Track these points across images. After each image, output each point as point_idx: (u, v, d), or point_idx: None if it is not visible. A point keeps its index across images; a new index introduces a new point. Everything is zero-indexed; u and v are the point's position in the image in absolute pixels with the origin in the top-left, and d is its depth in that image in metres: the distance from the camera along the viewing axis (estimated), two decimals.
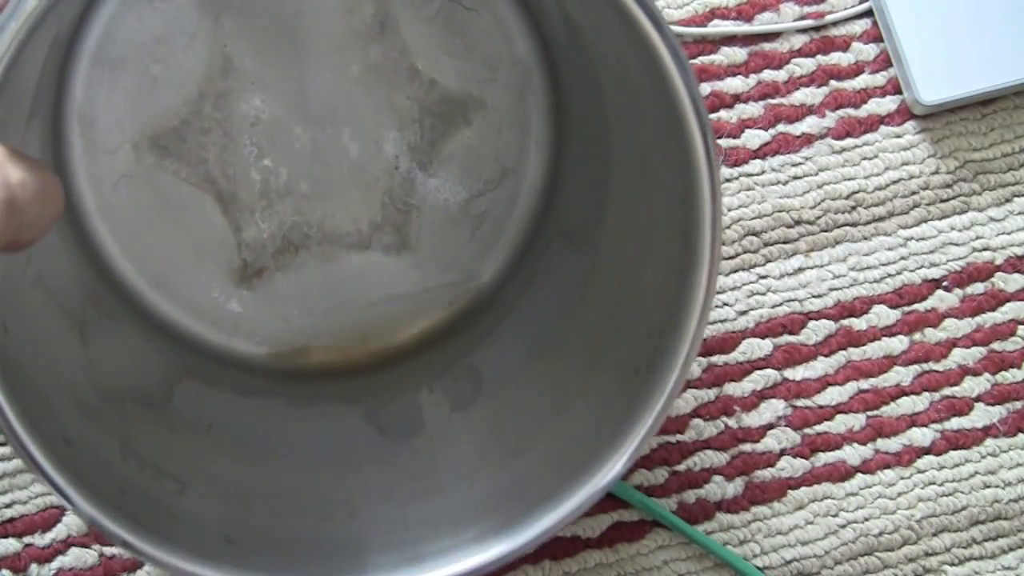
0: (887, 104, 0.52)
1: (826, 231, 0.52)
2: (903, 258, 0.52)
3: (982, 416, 0.51)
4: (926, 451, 0.51)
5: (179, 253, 0.46)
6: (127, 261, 0.46)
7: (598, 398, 0.40)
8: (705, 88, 0.52)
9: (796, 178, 0.52)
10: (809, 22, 0.52)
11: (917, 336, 0.51)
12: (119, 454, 0.39)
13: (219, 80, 0.45)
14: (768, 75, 0.52)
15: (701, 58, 0.52)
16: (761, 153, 0.52)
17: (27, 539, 0.48)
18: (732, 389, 0.51)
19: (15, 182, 0.27)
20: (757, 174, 0.52)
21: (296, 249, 0.47)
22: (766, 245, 0.52)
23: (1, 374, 0.33)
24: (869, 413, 0.51)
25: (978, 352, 0.51)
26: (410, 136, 0.47)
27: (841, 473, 0.50)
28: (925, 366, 0.51)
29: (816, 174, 0.52)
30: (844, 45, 0.53)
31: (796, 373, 0.51)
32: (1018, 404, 0.51)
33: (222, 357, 0.47)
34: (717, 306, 0.51)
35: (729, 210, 0.52)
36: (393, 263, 0.48)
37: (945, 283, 0.52)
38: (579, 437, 0.40)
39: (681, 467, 0.50)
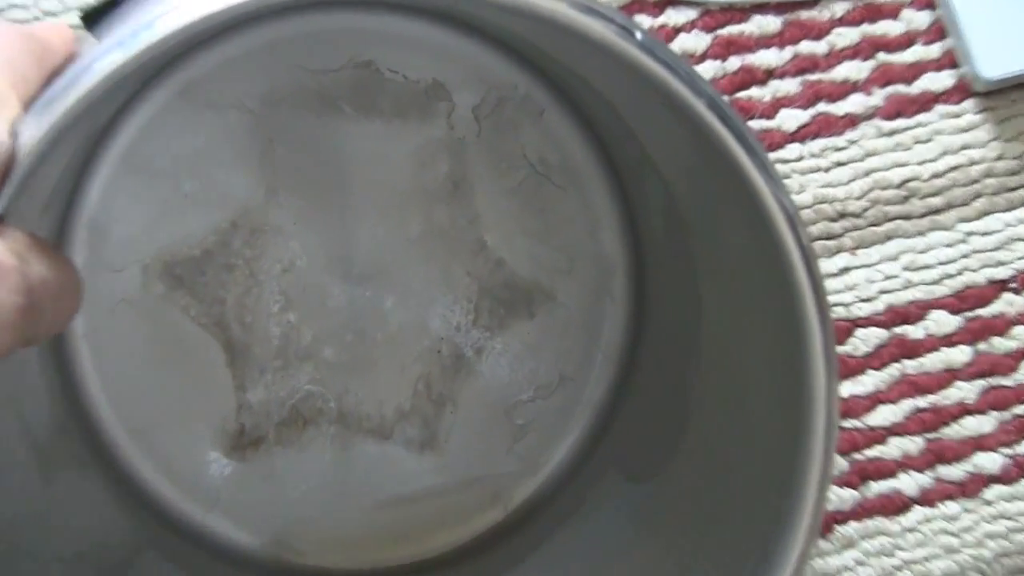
0: (943, 80, 0.50)
1: (875, 225, 0.49)
2: (964, 256, 0.50)
3: None
4: (995, 479, 0.49)
5: (168, 402, 0.43)
6: (106, 400, 0.42)
7: None
8: (734, 62, 0.49)
9: (840, 164, 0.49)
10: None
11: (982, 346, 0.49)
12: None
13: (258, 212, 0.42)
14: (806, 47, 0.49)
15: (729, 28, 0.49)
16: (799, 136, 0.49)
17: None
18: None
19: (36, 281, 0.26)
20: (795, 160, 0.49)
21: (304, 423, 0.43)
22: None
23: None
24: (928, 435, 0.49)
25: None
26: (462, 318, 0.44)
27: (896, 505, 0.49)
28: (992, 380, 0.49)
29: (862, 160, 0.49)
30: (893, 12, 0.50)
31: (843, 389, 0.49)
32: None
33: (194, 535, 0.43)
34: None
35: None
36: (413, 461, 0.44)
37: (1013, 284, 0.50)
38: None
39: None
